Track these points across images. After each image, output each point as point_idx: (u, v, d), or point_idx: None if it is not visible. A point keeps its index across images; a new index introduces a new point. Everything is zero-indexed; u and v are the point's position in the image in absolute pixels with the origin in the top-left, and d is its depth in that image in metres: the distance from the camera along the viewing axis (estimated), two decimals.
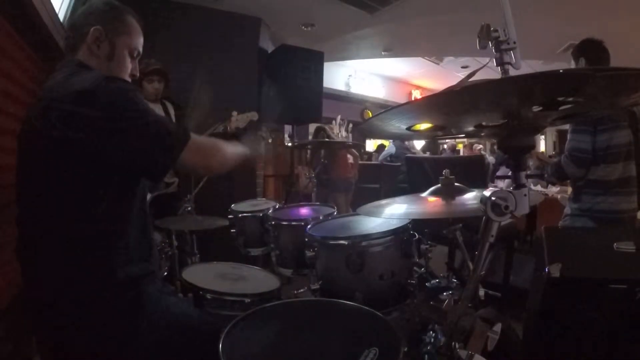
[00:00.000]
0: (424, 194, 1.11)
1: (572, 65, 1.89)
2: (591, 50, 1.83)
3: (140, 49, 1.08)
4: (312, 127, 5.78)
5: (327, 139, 4.03)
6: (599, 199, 1.79)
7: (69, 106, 0.83)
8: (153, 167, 0.91)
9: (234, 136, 2.08)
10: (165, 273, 1.58)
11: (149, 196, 2.28)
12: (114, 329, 0.88)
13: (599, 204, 1.79)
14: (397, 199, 1.19)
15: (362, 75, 7.56)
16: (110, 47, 1.00)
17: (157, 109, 2.53)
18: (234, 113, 2.39)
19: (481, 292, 1.16)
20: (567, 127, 1.87)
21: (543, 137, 11.19)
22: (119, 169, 0.89)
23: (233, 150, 1.08)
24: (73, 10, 1.88)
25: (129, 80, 1.07)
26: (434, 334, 0.99)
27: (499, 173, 4.30)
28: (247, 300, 1.20)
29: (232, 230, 1.93)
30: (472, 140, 7.41)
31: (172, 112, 2.61)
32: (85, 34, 0.97)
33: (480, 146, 7.69)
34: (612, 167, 1.77)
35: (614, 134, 1.75)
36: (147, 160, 0.89)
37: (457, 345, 0.90)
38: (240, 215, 1.94)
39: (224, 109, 3.19)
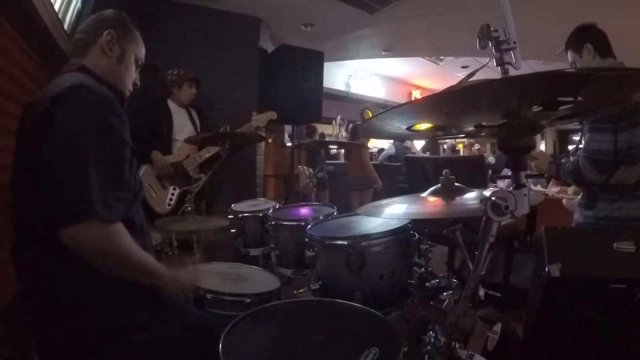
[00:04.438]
0: (424, 194, 1.11)
1: (571, 56, 1.72)
2: (594, 34, 1.67)
3: (143, 60, 1.13)
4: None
5: (326, 140, 4.06)
6: (616, 204, 1.58)
7: (43, 109, 0.84)
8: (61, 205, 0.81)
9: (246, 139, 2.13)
10: None
11: (176, 191, 2.34)
12: (110, 327, 0.88)
13: (616, 211, 1.58)
14: (397, 199, 1.19)
15: (362, 75, 7.56)
16: (121, 51, 1.05)
17: (183, 114, 2.63)
18: (254, 113, 2.45)
19: (481, 292, 1.16)
20: (567, 127, 1.81)
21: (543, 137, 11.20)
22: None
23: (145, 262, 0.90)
24: (79, 17, 1.89)
25: (131, 87, 1.11)
26: (434, 334, 0.99)
27: (503, 172, 4.30)
28: (247, 300, 1.20)
29: (232, 230, 1.94)
30: (472, 140, 7.40)
31: (196, 116, 2.69)
32: (98, 36, 1.02)
33: (478, 146, 7.69)
34: (632, 170, 1.56)
35: (635, 132, 1.53)
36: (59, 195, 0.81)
37: (457, 345, 0.90)
38: (240, 215, 1.94)
39: (225, 109, 3.21)
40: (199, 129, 2.64)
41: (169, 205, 2.32)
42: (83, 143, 0.81)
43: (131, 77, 1.10)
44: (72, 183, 0.80)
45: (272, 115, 2.48)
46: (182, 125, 2.58)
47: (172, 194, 2.33)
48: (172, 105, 2.60)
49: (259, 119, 2.45)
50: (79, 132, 0.82)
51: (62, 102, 0.83)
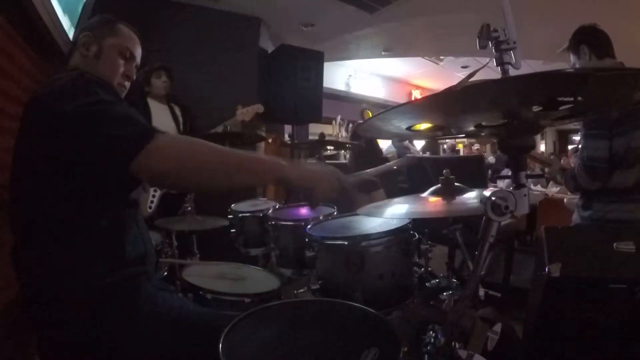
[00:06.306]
0: (424, 194, 1.11)
1: (572, 58, 1.74)
2: (591, 35, 1.68)
3: (135, 53, 1.13)
4: (312, 127, 5.79)
5: (328, 139, 4.06)
6: (613, 206, 1.60)
7: (46, 104, 0.87)
8: (116, 158, 0.81)
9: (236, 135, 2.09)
10: (165, 273, 1.58)
11: (157, 193, 2.27)
12: (110, 327, 0.88)
13: (612, 212, 1.60)
14: (397, 199, 1.19)
15: (362, 75, 7.55)
16: (98, 47, 1.07)
17: (164, 111, 2.55)
18: (239, 107, 2.37)
19: (481, 292, 1.16)
20: (567, 127, 1.83)
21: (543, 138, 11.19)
22: (89, 163, 0.85)
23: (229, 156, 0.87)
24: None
25: (122, 80, 1.11)
26: (434, 334, 0.98)
27: (503, 172, 4.30)
28: (247, 300, 1.20)
29: (232, 230, 1.94)
30: (472, 140, 7.41)
31: (179, 113, 2.63)
32: (77, 41, 1.08)
33: (477, 146, 7.70)
34: (628, 173, 1.57)
35: (633, 135, 1.54)
36: (111, 150, 0.81)
37: (457, 345, 0.90)
38: (240, 215, 1.94)
39: (224, 109, 3.21)
40: (181, 126, 2.54)
41: (150, 208, 2.24)
42: (101, 99, 0.85)
43: (115, 69, 1.08)
44: (111, 132, 0.80)
45: (259, 108, 2.33)
46: (162, 123, 2.44)
47: (153, 196, 2.25)
48: (152, 102, 2.48)
49: (244, 113, 2.33)
50: (94, 95, 0.85)
51: (70, 87, 0.87)
